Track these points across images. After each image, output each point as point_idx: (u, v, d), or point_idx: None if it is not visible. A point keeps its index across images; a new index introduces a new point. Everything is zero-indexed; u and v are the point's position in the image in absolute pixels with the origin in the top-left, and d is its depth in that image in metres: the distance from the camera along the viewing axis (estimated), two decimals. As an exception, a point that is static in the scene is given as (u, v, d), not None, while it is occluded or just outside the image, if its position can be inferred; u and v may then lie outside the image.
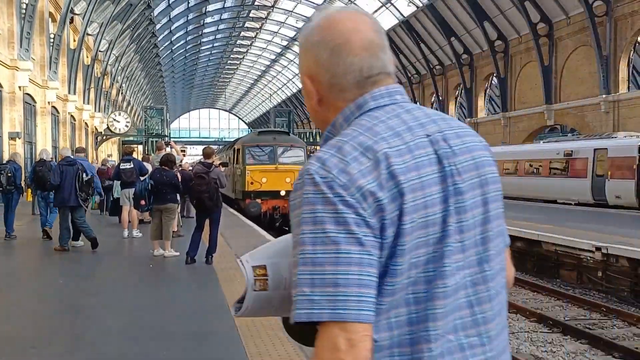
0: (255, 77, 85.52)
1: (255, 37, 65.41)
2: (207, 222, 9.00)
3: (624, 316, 9.20)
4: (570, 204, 21.47)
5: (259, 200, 17.54)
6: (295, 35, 62.08)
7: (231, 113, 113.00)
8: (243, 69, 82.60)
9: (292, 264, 1.02)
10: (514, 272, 1.33)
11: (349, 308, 0.96)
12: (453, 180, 1.08)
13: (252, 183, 17.81)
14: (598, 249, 10.99)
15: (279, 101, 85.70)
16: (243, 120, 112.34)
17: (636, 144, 19.24)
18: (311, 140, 45.32)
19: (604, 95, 29.54)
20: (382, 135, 1.06)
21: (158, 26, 45.19)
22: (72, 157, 10.32)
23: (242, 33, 64.12)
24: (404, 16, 44.70)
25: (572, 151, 22.12)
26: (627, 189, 19.11)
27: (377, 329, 1.01)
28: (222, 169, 14.49)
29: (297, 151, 18.98)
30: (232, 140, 25.89)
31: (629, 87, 30.22)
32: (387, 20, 47.30)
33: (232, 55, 74.78)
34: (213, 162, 9.26)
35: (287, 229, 16.00)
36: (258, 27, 61.54)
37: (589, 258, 11.36)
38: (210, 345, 5.04)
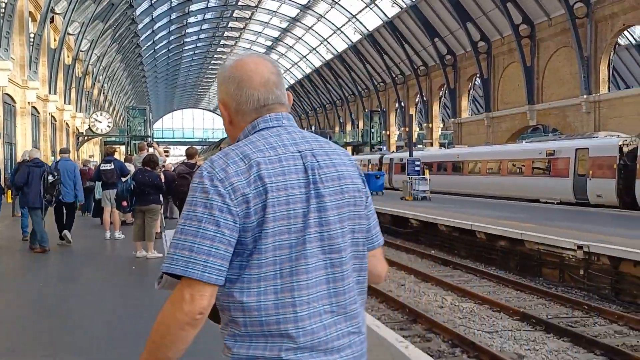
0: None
1: (239, 37, 65.23)
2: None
3: (605, 314, 9.30)
4: (553, 203, 21.68)
5: None
6: (279, 35, 62.04)
7: (215, 113, 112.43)
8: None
9: None
10: (387, 268, 1.73)
11: (195, 269, 1.34)
12: (316, 186, 1.45)
13: None
14: (580, 247, 11.10)
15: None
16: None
17: (617, 143, 19.47)
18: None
19: (585, 96, 29.89)
20: (260, 148, 1.45)
21: (140, 26, 44.86)
22: (39, 158, 10.31)
23: (226, 33, 63.91)
24: (388, 17, 44.86)
25: (554, 151, 22.34)
26: (608, 188, 19.34)
27: (248, 294, 1.38)
28: None
29: None
30: (218, 140, 27.05)
31: (609, 88, 30.61)
32: (372, 21, 47.49)
33: (215, 55, 74.46)
34: (196, 162, 9.22)
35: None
36: (242, 27, 61.38)
37: (570, 256, 11.47)
38: (195, 346, 4.98)
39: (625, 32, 35.87)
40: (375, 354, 4.69)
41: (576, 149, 21.07)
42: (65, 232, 10.77)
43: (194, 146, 10.14)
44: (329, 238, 1.45)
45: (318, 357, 1.41)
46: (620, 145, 19.27)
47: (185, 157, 9.55)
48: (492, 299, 10.22)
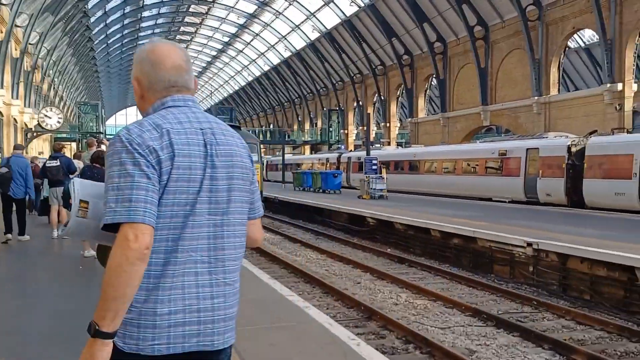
0: (196, 74, 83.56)
1: (195, 32, 64.33)
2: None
3: (553, 309, 9.53)
4: (505, 202, 22.18)
5: None
6: (237, 32, 61.46)
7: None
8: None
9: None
10: (264, 235, 2.19)
11: (137, 215, 1.60)
12: (212, 158, 1.76)
13: None
14: (529, 244, 11.36)
15: (221, 98, 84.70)
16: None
17: (565, 144, 20.06)
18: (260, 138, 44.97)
19: (536, 97, 30.71)
20: (169, 120, 1.74)
21: (92, 19, 43.68)
22: None
23: (182, 28, 62.92)
24: (346, 15, 45.01)
25: (506, 151, 22.85)
26: (556, 187, 19.90)
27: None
28: None
29: (250, 147, 21.19)
30: None
31: (559, 90, 31.53)
32: (330, 19, 47.57)
33: (171, 51, 73.22)
34: None
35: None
36: (198, 22, 60.54)
37: (520, 253, 11.73)
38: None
39: (575, 36, 37.01)
40: (327, 351, 4.65)
41: (527, 149, 21.60)
42: (19, 237, 10.81)
43: None
44: (215, 202, 1.77)
45: (191, 297, 1.72)
46: (568, 145, 19.85)
47: None
48: (446, 295, 10.35)
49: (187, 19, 59.80)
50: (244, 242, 1.88)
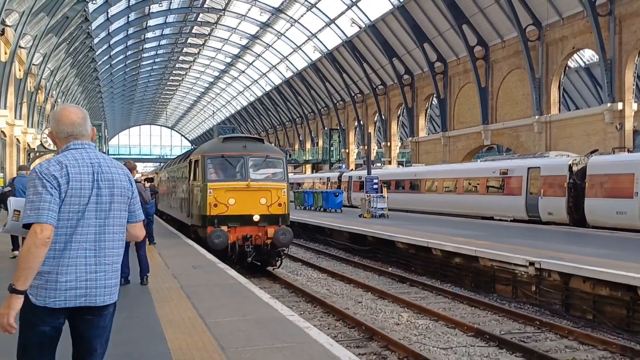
0: (198, 94, 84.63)
1: (199, 53, 64.83)
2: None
3: (556, 329, 9.46)
4: (506, 221, 22.12)
5: (224, 228, 13.28)
6: (239, 53, 61.93)
7: (173, 130, 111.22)
8: (186, 85, 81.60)
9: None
10: (144, 233, 3.28)
11: (42, 217, 2.68)
12: (98, 183, 2.85)
13: (215, 206, 13.44)
14: (532, 263, 11.31)
15: (223, 118, 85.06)
16: (186, 138, 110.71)
17: (567, 163, 20.06)
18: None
19: (537, 117, 30.81)
20: (68, 158, 2.85)
21: (96, 40, 44.09)
22: None
23: (185, 49, 63.42)
24: (347, 36, 45.39)
25: (507, 170, 22.86)
26: (558, 206, 19.87)
27: (55, 234, 2.73)
28: (147, 184, 14.08)
29: (275, 164, 14.64)
30: (187, 151, 20.64)
31: (559, 109, 31.64)
32: (331, 39, 47.96)
33: (174, 72, 73.75)
34: (138, 179, 9.13)
35: (259, 264, 14.42)
36: (201, 43, 61.04)
37: (523, 273, 11.67)
38: None
39: (575, 55, 37.24)
40: (328, 372, 4.62)
41: (528, 168, 21.61)
42: (15, 252, 11.10)
43: (131, 161, 9.92)
44: (100, 210, 2.87)
45: (81, 271, 2.81)
46: (570, 164, 19.86)
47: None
48: (448, 315, 10.28)
49: (190, 41, 60.32)
50: (122, 237, 2.99)
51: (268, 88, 65.88)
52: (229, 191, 13.62)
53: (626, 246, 13.60)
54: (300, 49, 52.84)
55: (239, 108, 78.64)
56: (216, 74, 72.16)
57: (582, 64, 44.74)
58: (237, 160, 14.05)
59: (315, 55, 51.80)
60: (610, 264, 10.39)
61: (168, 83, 79.79)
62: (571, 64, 38.82)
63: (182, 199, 17.00)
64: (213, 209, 13.44)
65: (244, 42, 58.43)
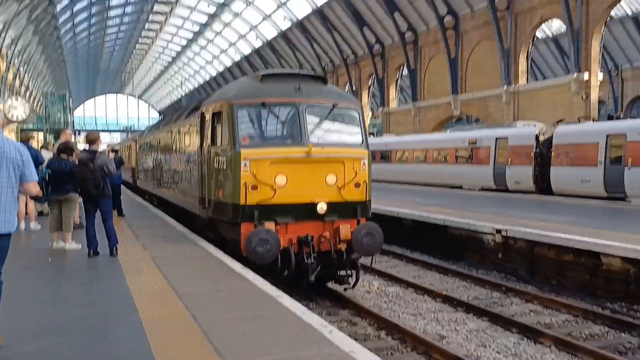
0: (166, 63, 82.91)
1: (166, 21, 63.28)
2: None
3: (521, 294, 9.76)
4: (475, 190, 22.49)
5: (270, 226, 8.28)
6: (207, 21, 60.70)
7: (141, 99, 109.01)
8: (153, 53, 79.80)
9: None
10: (36, 189, 4.96)
11: None
12: (5, 154, 4.56)
13: (254, 188, 8.37)
14: (498, 231, 11.58)
15: (192, 88, 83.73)
16: (153, 107, 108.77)
17: (533, 133, 20.40)
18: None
19: (505, 87, 31.11)
20: None
21: (59, 7, 42.63)
22: None
23: (151, 17, 61.84)
24: (317, 5, 44.81)
25: (476, 140, 23.15)
26: (525, 175, 20.26)
27: None
28: (112, 155, 13.37)
29: (348, 118, 9.36)
30: (195, 102, 13.17)
31: (527, 79, 31.97)
32: (301, 8, 47.28)
33: (140, 40, 71.96)
34: (98, 148, 8.90)
35: (332, 286, 9.48)
36: (168, 10, 59.56)
37: (490, 240, 11.94)
38: (114, 339, 4.82)
39: (543, 26, 37.50)
40: (300, 339, 4.69)
41: (496, 138, 21.91)
42: None
43: (95, 132, 9.59)
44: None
45: None
46: (536, 134, 20.20)
47: (88, 144, 9.04)
48: (417, 283, 10.50)
49: (156, 8, 58.78)
50: (14, 192, 4.59)
51: (238, 58, 64.92)
52: (277, 163, 8.42)
53: (590, 213, 14.00)
54: (269, 17, 52.01)
55: (208, 78, 77.42)
56: (184, 42, 70.68)
57: (550, 35, 45.11)
58: (288, 110, 8.89)
59: (286, 24, 51.08)
60: (574, 231, 10.69)
61: (134, 51, 77.90)
62: (539, 34, 39.08)
63: (186, 176, 11.55)
64: (251, 194, 8.31)
65: (212, 10, 57.22)
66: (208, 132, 9.60)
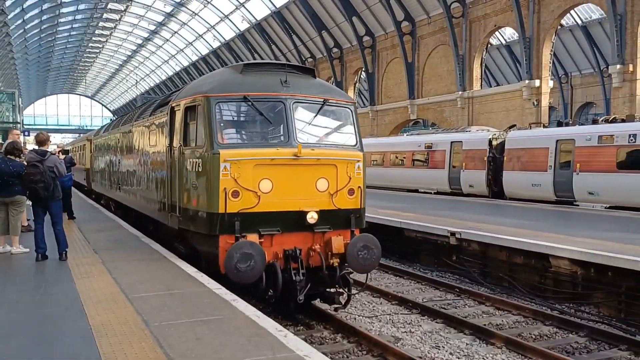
0: (121, 62, 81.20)
1: (120, 19, 61.99)
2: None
3: (474, 296, 9.94)
4: (431, 193, 22.83)
5: (253, 238, 7.31)
6: (163, 20, 59.77)
7: (93, 99, 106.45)
8: (107, 52, 77.98)
9: None
10: None
11: None
12: None
13: (235, 195, 7.37)
14: (453, 234, 11.76)
15: (147, 88, 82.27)
16: (107, 108, 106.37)
17: (487, 137, 20.86)
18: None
19: (460, 92, 31.73)
20: None
21: (8, 3, 41.19)
22: None
23: (105, 15, 60.46)
24: (276, 7, 44.71)
25: (432, 144, 23.51)
26: (479, 179, 20.69)
27: None
28: (62, 156, 12.75)
29: (339, 115, 8.49)
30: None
31: (481, 85, 32.70)
32: (260, 9, 47.08)
33: (94, 38, 70.22)
34: (47, 149, 8.62)
35: (319, 305, 8.58)
36: (122, 9, 58.37)
37: (445, 243, 12.12)
38: (61, 345, 4.66)
39: (497, 33, 38.45)
40: (254, 344, 4.64)
41: (451, 142, 22.31)
42: None
43: (44, 132, 9.23)
44: None
45: None
46: (490, 139, 20.66)
47: (37, 145, 8.74)
48: (373, 285, 10.55)
49: (110, 5, 57.48)
50: None
51: (195, 58, 64.15)
52: (262, 166, 7.42)
53: (540, 217, 14.39)
54: (227, 18, 51.60)
55: (164, 78, 76.20)
56: (139, 41, 69.39)
57: (504, 42, 46.29)
58: (273, 106, 7.82)
59: (244, 26, 50.78)
60: (524, 233, 10.96)
61: (87, 50, 75.96)
62: (493, 41, 40.05)
63: (152, 179, 10.33)
64: (231, 202, 7.28)
65: (168, 9, 56.38)
66: (179, 130, 8.45)
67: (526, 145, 19.07)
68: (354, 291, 8.29)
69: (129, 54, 75.71)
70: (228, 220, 7.23)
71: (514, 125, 22.66)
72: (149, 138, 10.76)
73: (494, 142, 20.50)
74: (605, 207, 16.54)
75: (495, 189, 20.23)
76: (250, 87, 7.75)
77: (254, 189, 7.34)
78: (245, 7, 48.05)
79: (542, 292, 10.04)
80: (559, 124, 20.62)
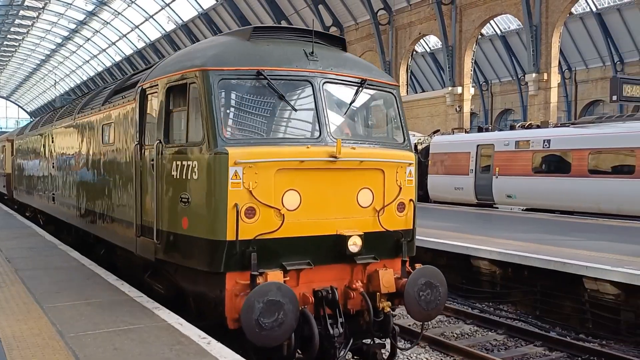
0: (39, 61, 77.45)
1: (38, 16, 59.13)
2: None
3: (400, 297, 10.10)
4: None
5: (278, 276, 5.02)
6: (85, 19, 57.55)
7: (9, 100, 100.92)
8: (23, 51, 74.18)
9: None
10: None
11: None
12: None
13: (250, 213, 5.07)
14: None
15: (67, 89, 78.90)
16: (24, 109, 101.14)
17: (412, 142, 21.36)
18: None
19: (386, 97, 32.37)
20: None
21: None
22: None
23: (22, 12, 57.50)
24: (203, 8, 44.09)
25: (359, 147, 23.81)
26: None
27: None
28: None
29: (383, 100, 6.55)
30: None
31: (407, 91, 33.53)
32: (186, 11, 46.26)
33: (9, 36, 66.62)
34: None
35: None
36: (41, 6, 55.71)
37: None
38: None
39: (422, 41, 39.56)
40: (176, 352, 4.50)
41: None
42: None
43: None
44: None
45: None
46: (415, 143, 21.18)
47: None
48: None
49: (27, 2, 54.72)
50: None
51: (118, 58, 62.14)
52: (287, 171, 5.23)
53: (462, 220, 14.87)
54: (152, 18, 50.33)
55: (85, 78, 73.34)
56: (59, 40, 66.45)
57: (428, 49, 47.70)
58: (296, 86, 5.67)
59: (170, 26, 49.71)
60: (447, 235, 11.28)
61: (2, 48, 71.98)
62: (418, 48, 41.17)
63: (108, 189, 7.80)
64: (245, 224, 5.07)
65: (90, 7, 54.33)
66: (158, 121, 5.98)
67: (449, 150, 19.69)
68: (402, 344, 6.34)
69: (48, 53, 72.36)
70: (240, 251, 5.00)
71: (438, 130, 23.37)
72: (102, 134, 8.17)
73: (419, 147, 21.04)
74: (523, 210, 17.34)
75: (420, 193, 20.73)
76: (265, 59, 5.50)
77: (276, 205, 5.14)
78: (170, 8, 47.06)
79: (464, 292, 10.36)
80: (480, 130, 21.43)
